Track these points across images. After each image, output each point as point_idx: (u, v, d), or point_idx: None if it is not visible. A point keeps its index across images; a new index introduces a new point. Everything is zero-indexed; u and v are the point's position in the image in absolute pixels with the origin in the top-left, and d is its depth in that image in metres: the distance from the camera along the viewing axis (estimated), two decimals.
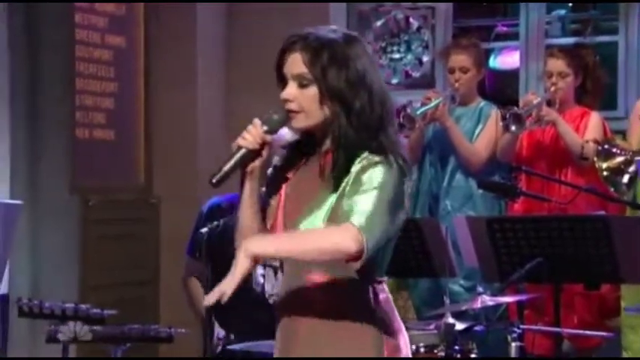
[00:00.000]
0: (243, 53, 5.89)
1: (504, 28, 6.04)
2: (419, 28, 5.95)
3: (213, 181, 2.26)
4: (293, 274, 2.34)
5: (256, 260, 2.18)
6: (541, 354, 4.56)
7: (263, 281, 3.79)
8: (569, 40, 5.77)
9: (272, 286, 3.80)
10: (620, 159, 4.27)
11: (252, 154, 2.27)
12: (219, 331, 3.77)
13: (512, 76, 5.82)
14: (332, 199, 2.24)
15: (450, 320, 3.62)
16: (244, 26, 5.88)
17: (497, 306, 4.51)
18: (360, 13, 6.03)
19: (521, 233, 3.96)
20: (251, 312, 3.78)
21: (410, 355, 2.34)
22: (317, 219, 2.24)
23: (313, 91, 2.25)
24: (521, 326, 3.74)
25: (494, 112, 4.86)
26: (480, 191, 4.63)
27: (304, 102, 2.26)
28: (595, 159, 4.39)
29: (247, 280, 3.71)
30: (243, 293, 3.74)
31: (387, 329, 2.29)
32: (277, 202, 2.35)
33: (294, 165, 2.35)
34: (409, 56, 5.97)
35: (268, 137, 2.27)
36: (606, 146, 4.39)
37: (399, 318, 2.34)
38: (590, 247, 3.84)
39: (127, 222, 5.46)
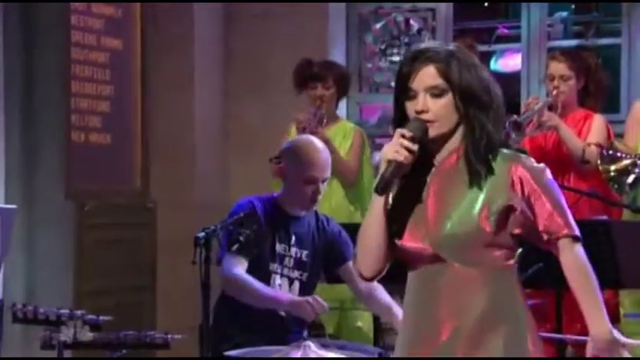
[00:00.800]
0: (241, 56, 5.85)
1: (506, 30, 6.00)
2: (419, 31, 5.91)
3: (380, 191, 2.39)
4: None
5: None
6: None
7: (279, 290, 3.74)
8: (572, 43, 5.74)
9: None
10: (627, 161, 4.25)
11: (403, 166, 2.40)
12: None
13: (514, 78, 5.77)
14: (478, 195, 2.38)
15: None
16: (242, 28, 5.84)
17: None
18: (360, 16, 5.99)
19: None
20: (263, 319, 3.72)
21: None
22: (469, 218, 2.37)
23: (447, 99, 2.40)
24: None
25: None
26: None
27: (439, 111, 2.40)
28: (599, 162, 4.36)
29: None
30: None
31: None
32: (401, 211, 2.44)
33: (410, 172, 2.46)
34: None
35: (415, 147, 2.39)
36: (610, 152, 4.36)
37: None
38: (591, 252, 3.78)
39: (124, 227, 5.42)
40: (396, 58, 5.96)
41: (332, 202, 4.89)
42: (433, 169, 2.45)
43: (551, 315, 4.07)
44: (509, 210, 2.39)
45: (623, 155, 4.30)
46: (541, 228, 2.44)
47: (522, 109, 4.61)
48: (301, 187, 3.71)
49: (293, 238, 3.75)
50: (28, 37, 4.99)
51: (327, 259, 3.81)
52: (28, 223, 4.94)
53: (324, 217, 3.86)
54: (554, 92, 4.66)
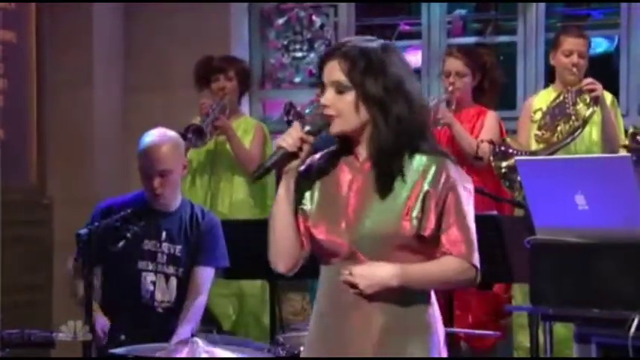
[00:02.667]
0: (142, 51, 5.77)
1: (407, 27, 6.03)
2: (322, 26, 5.91)
3: (254, 175, 2.43)
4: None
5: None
6: None
7: (153, 288, 3.72)
8: (471, 40, 5.79)
9: (162, 293, 3.72)
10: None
11: (291, 155, 2.41)
12: (103, 323, 3.69)
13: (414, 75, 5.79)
14: (400, 196, 2.38)
15: None
16: (143, 23, 5.77)
17: None
18: (262, 12, 5.97)
19: None
20: (141, 317, 3.70)
21: None
22: (390, 218, 2.37)
23: (350, 97, 2.38)
24: None
25: None
26: None
27: (341, 107, 2.38)
28: (491, 159, 4.41)
29: (137, 285, 3.67)
30: (133, 298, 3.70)
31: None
32: (321, 205, 2.45)
33: (331, 167, 2.47)
34: (312, 55, 5.92)
35: (310, 138, 2.40)
36: (502, 148, 4.42)
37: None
38: (482, 246, 3.82)
39: (18, 224, 5.30)
40: (299, 54, 5.96)
41: (232, 197, 4.87)
42: (356, 167, 2.45)
43: (443, 308, 4.09)
44: (429, 213, 2.39)
45: (515, 152, 4.35)
46: (444, 243, 2.43)
47: None
48: (144, 181, 3.70)
49: (163, 233, 3.72)
50: None
51: (193, 254, 3.77)
52: None
53: (199, 210, 3.82)
54: (450, 88, 4.70)
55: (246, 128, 4.96)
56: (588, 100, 4.43)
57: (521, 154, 4.36)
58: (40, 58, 5.44)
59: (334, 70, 2.39)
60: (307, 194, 2.47)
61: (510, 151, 4.38)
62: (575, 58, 4.55)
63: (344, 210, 2.42)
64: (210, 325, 4.07)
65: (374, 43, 2.41)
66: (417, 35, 5.83)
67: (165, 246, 3.72)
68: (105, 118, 5.67)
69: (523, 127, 4.69)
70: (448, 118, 4.61)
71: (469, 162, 4.60)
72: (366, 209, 2.40)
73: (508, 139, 4.54)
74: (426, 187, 2.39)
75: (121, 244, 3.51)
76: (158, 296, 3.73)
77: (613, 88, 4.68)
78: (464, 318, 4.47)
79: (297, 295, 5.53)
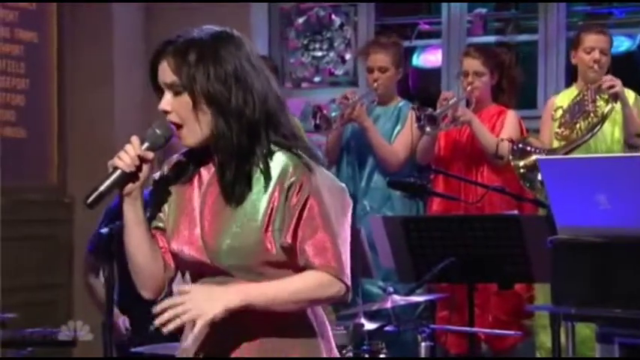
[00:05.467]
0: None
1: (427, 26, 6.01)
2: (341, 26, 5.90)
3: (88, 202, 2.13)
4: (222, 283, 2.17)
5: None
6: (459, 353, 4.54)
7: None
8: (491, 39, 5.77)
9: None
10: (535, 157, 4.28)
11: (129, 176, 2.13)
12: (124, 320, 3.70)
13: (435, 74, 5.79)
14: (261, 197, 2.11)
15: (360, 320, 3.58)
16: (163, 21, 5.77)
17: (415, 306, 4.50)
18: (282, 11, 5.96)
19: (436, 233, 3.95)
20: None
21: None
22: (248, 232, 2.11)
23: (186, 97, 2.09)
24: (432, 326, 3.74)
25: (413, 114, 4.82)
26: (398, 192, 4.60)
27: (181, 111, 2.10)
28: (511, 157, 4.39)
29: None
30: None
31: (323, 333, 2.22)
32: (178, 219, 2.19)
33: (185, 177, 2.21)
34: (331, 54, 5.92)
35: (150, 155, 2.13)
36: (521, 145, 4.41)
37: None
38: (503, 246, 3.84)
39: (39, 223, 5.32)
40: (319, 54, 5.95)
41: None
42: (209, 176, 2.17)
43: (463, 308, 4.08)
44: (290, 221, 2.10)
45: (533, 150, 4.33)
46: (305, 254, 2.11)
47: (438, 104, 4.62)
48: None
49: None
50: None
51: None
52: None
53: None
54: (468, 88, 4.68)
55: None
56: (607, 97, 4.41)
57: (540, 152, 4.35)
58: (61, 58, 5.46)
59: (166, 71, 2.09)
60: (162, 209, 2.21)
61: (529, 148, 4.37)
62: (596, 54, 4.52)
63: (202, 226, 2.16)
64: None
65: (207, 32, 2.12)
66: (436, 34, 5.82)
67: None
68: (125, 117, 5.69)
69: (545, 125, 4.68)
70: (468, 116, 4.59)
71: (490, 161, 4.59)
72: (223, 224, 2.13)
73: (530, 138, 4.52)
74: (284, 192, 2.10)
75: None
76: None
77: (635, 86, 4.64)
78: (484, 318, 4.45)
79: None
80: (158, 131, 2.15)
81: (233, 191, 2.12)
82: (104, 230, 3.41)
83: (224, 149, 2.11)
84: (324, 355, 2.19)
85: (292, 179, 2.11)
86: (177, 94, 2.10)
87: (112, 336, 3.36)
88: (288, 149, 2.13)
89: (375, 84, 4.86)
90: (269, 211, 2.11)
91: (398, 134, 4.86)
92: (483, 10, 5.93)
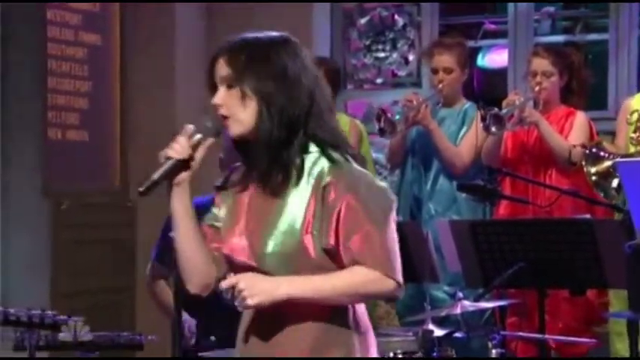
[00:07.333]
0: None
1: (492, 26, 5.91)
2: (404, 26, 5.83)
3: (140, 190, 2.24)
4: None
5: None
6: None
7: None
8: (559, 38, 5.67)
9: None
10: (608, 163, 4.16)
11: (182, 165, 2.24)
12: (190, 323, 3.69)
13: (501, 75, 5.70)
14: (300, 201, 2.20)
15: (429, 326, 3.54)
16: (225, 23, 5.75)
17: (482, 312, 4.42)
18: (345, 11, 5.91)
19: (505, 237, 3.88)
20: (222, 317, 3.67)
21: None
22: (290, 236, 2.20)
23: (236, 91, 2.24)
24: (502, 332, 3.67)
25: (478, 114, 4.73)
26: (464, 195, 4.52)
27: (231, 104, 2.25)
28: (583, 163, 4.28)
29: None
30: (216, 297, 3.67)
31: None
32: (230, 226, 2.30)
33: (242, 186, 2.31)
34: (394, 55, 5.85)
35: (200, 146, 2.26)
36: (594, 150, 4.28)
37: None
38: (575, 251, 3.75)
39: (102, 226, 5.34)
40: (382, 54, 5.89)
41: None
42: (255, 178, 2.28)
43: (533, 314, 3.99)
44: (330, 222, 2.17)
45: (606, 155, 4.20)
46: (352, 252, 2.17)
47: (503, 104, 4.53)
48: None
49: None
50: (3, 33, 4.92)
51: None
52: (4, 221, 4.87)
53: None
54: (537, 88, 4.58)
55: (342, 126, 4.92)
56: None
57: (614, 158, 4.22)
58: (124, 60, 5.48)
59: (221, 67, 2.26)
60: (219, 210, 2.33)
61: (602, 154, 4.24)
62: None
63: (245, 228, 2.27)
64: None
65: (263, 35, 2.29)
66: (502, 34, 5.72)
67: None
68: (187, 119, 5.63)
69: (621, 129, 4.54)
70: (535, 117, 4.49)
71: (559, 163, 4.48)
72: (266, 227, 2.23)
73: (604, 144, 4.39)
74: (320, 193, 2.18)
75: None
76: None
77: None
78: (554, 324, 4.34)
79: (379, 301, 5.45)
80: (209, 124, 2.26)
81: (269, 180, 2.22)
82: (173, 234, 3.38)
83: (262, 138, 2.22)
84: (358, 354, 2.24)
85: (327, 179, 2.19)
86: (229, 87, 2.25)
87: (181, 340, 3.33)
88: (325, 150, 2.23)
89: (440, 85, 4.78)
90: (307, 215, 2.20)
91: (464, 136, 4.78)
92: (551, 9, 5.81)
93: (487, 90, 5.91)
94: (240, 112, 2.23)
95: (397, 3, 5.85)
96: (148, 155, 5.51)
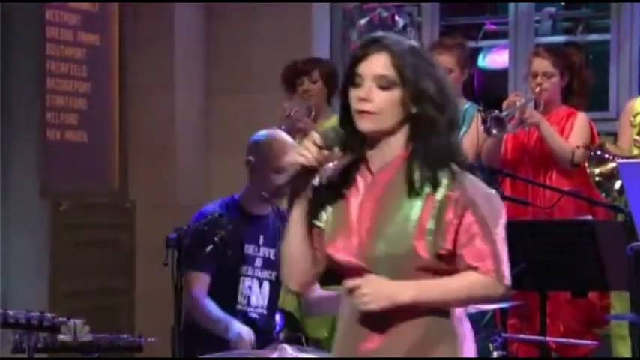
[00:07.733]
0: (223, 53, 5.75)
1: (493, 26, 5.90)
2: (405, 27, 5.81)
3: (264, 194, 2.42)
4: None
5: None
6: None
7: (249, 293, 3.69)
8: (560, 39, 5.65)
9: (257, 298, 3.68)
10: (612, 165, 4.15)
11: (308, 172, 2.28)
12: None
13: (501, 75, 5.68)
14: (414, 212, 2.24)
15: None
16: (225, 24, 5.75)
17: (483, 313, 4.40)
18: (345, 12, 5.89)
19: (506, 239, 3.82)
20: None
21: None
22: (402, 238, 2.25)
23: (396, 93, 2.25)
24: (503, 334, 3.65)
25: (478, 115, 4.71)
26: None
27: (383, 104, 2.25)
28: (586, 164, 4.26)
29: (235, 290, 3.64)
30: (231, 303, 3.66)
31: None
32: (335, 228, 2.32)
33: (344, 187, 2.33)
34: None
35: (327, 154, 2.28)
36: (598, 152, 4.26)
37: None
38: (576, 252, 3.74)
39: (101, 227, 5.33)
40: None
41: None
42: (370, 180, 2.30)
43: (535, 316, 3.98)
44: (446, 229, 2.23)
45: (610, 157, 4.18)
46: (465, 258, 2.25)
47: (504, 105, 4.50)
48: (272, 178, 3.58)
49: (261, 237, 3.67)
50: (2, 33, 4.90)
51: None
52: (2, 222, 4.86)
53: (286, 212, 3.75)
54: (537, 89, 4.57)
55: None
56: None
57: (617, 159, 4.20)
58: (123, 61, 5.46)
59: (379, 63, 2.24)
60: (322, 210, 2.34)
61: (606, 156, 4.22)
62: None
63: (357, 229, 2.29)
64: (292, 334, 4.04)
65: (411, 39, 2.35)
66: (503, 35, 5.71)
67: (263, 250, 3.68)
68: (186, 121, 5.66)
69: (624, 131, 4.51)
70: (536, 118, 4.48)
71: (559, 164, 4.46)
72: (378, 228, 2.26)
73: (607, 145, 4.37)
74: (439, 199, 2.24)
75: (208, 248, 3.46)
76: (253, 301, 3.69)
77: None
78: (554, 326, 4.33)
79: None
80: (332, 134, 2.27)
81: (417, 186, 2.23)
82: (172, 235, 3.37)
83: (430, 147, 2.24)
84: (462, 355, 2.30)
85: (446, 190, 2.24)
86: (383, 87, 2.24)
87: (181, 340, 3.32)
88: (457, 160, 2.28)
89: None
90: (422, 219, 2.23)
91: (463, 136, 4.76)
92: (552, 9, 5.79)
93: (488, 91, 5.90)
94: (393, 115, 2.25)
95: (397, 3, 5.83)
96: (146, 156, 5.57)
